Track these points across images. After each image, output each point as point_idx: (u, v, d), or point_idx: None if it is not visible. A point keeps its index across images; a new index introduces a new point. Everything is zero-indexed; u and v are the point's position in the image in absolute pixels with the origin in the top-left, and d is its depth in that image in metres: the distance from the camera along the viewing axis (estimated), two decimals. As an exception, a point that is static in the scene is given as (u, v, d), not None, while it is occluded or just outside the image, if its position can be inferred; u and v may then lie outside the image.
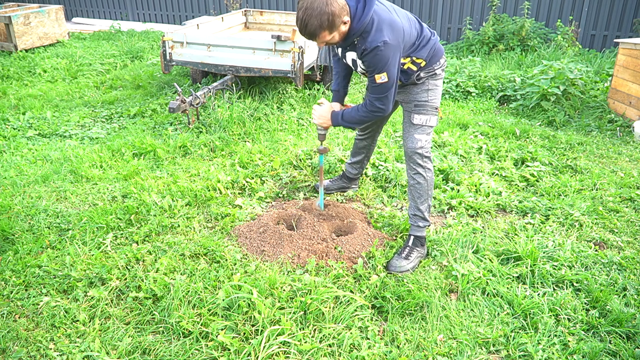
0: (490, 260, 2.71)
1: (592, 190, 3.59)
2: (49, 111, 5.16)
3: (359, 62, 2.50)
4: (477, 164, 3.93)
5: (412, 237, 2.78)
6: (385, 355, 2.10)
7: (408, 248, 2.73)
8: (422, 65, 2.59)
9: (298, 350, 2.07)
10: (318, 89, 5.57)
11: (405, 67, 2.57)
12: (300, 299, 2.31)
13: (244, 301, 2.28)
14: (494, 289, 2.48)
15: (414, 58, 2.55)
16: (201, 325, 2.20)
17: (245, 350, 2.05)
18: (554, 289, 2.51)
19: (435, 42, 2.63)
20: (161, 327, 2.23)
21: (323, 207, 3.16)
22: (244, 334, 2.16)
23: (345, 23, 2.30)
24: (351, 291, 2.45)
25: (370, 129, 3.21)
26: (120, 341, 2.14)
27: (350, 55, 2.53)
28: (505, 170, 3.80)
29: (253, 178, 3.65)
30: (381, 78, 2.38)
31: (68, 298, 2.40)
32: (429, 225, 2.83)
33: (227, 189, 3.48)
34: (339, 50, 2.63)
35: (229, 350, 2.07)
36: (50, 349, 2.10)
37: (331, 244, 2.78)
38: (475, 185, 3.54)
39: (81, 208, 3.23)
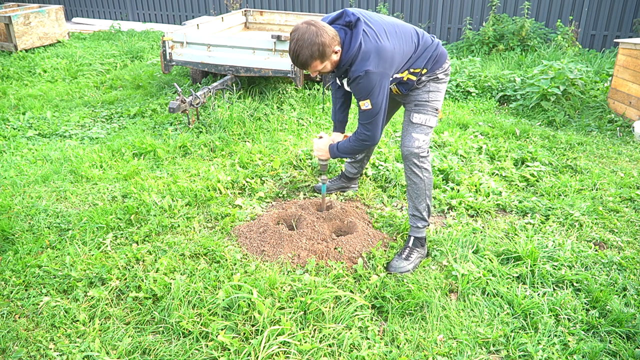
0: (490, 260, 2.71)
1: (592, 190, 3.59)
2: (49, 111, 5.16)
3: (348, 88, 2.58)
4: (477, 164, 3.93)
5: (412, 238, 2.77)
6: (385, 355, 2.10)
7: (408, 249, 2.73)
8: (423, 72, 2.63)
9: (298, 350, 2.07)
10: (318, 89, 5.57)
11: (405, 79, 2.62)
12: (300, 299, 2.31)
13: (244, 301, 2.28)
14: (494, 289, 2.48)
15: (412, 69, 2.59)
16: (201, 325, 2.20)
17: (245, 350, 2.05)
18: (554, 289, 2.51)
19: (436, 49, 2.63)
20: (161, 327, 2.23)
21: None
22: (244, 334, 2.16)
23: (336, 52, 2.38)
24: (351, 291, 2.45)
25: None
26: (120, 341, 2.14)
27: (346, 82, 2.60)
28: (505, 170, 3.80)
29: (253, 178, 3.65)
30: (365, 105, 2.45)
31: (68, 298, 2.40)
32: (428, 226, 2.83)
33: (227, 189, 3.48)
34: (336, 78, 2.69)
35: (229, 350, 2.07)
36: (50, 349, 2.10)
37: (331, 244, 2.78)
38: (475, 185, 3.54)
39: (81, 208, 3.23)
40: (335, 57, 2.39)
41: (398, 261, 2.66)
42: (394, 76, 2.55)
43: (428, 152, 2.72)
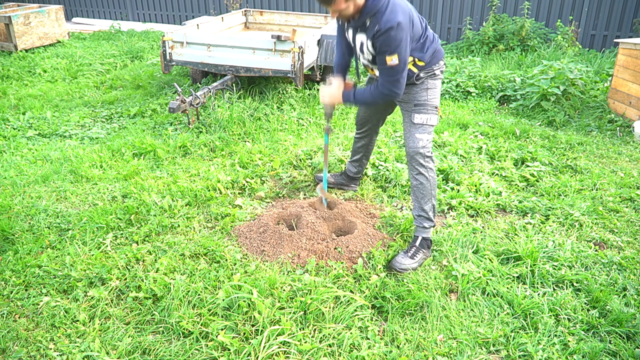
0: (490, 260, 2.71)
1: (592, 190, 3.59)
2: (49, 111, 5.16)
3: (367, 45, 2.47)
4: (477, 164, 3.93)
5: (419, 238, 2.75)
6: (385, 355, 2.10)
7: (415, 248, 2.72)
8: (422, 66, 2.60)
9: (298, 350, 2.07)
10: (318, 89, 5.56)
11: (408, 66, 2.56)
12: (300, 299, 2.31)
13: (244, 301, 2.28)
14: (494, 289, 2.48)
15: (416, 60, 2.56)
16: (201, 325, 2.20)
17: (245, 350, 2.05)
18: (554, 289, 2.51)
19: (437, 43, 2.64)
20: (161, 327, 2.23)
21: (326, 188, 3.14)
22: (244, 334, 2.16)
23: None
24: (351, 291, 2.45)
25: (367, 128, 3.20)
26: (120, 341, 2.14)
27: (360, 38, 2.50)
28: (505, 170, 3.80)
29: (253, 178, 3.65)
30: (392, 60, 2.35)
31: (68, 298, 2.40)
32: (434, 226, 2.80)
33: (227, 189, 3.48)
34: (349, 32, 2.58)
35: (229, 350, 2.07)
36: (50, 349, 2.10)
37: (331, 244, 2.78)
38: (475, 185, 3.54)
39: (81, 208, 3.23)
40: (360, 1, 2.32)
41: (403, 257, 2.65)
42: None
43: (431, 152, 2.72)
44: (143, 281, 2.47)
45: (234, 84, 5.29)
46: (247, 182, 3.57)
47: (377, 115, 3.13)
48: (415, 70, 2.59)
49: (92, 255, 2.69)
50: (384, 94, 2.52)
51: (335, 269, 2.59)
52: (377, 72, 2.64)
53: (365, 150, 3.34)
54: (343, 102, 2.73)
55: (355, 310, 2.31)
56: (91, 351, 2.07)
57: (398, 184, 3.57)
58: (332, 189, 3.51)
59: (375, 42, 2.40)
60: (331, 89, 2.74)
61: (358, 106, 2.75)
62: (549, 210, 3.27)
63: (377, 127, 3.22)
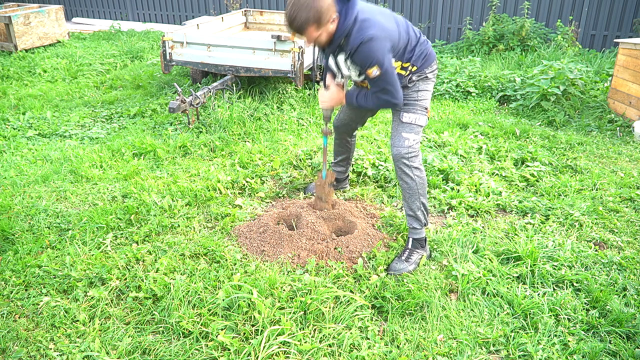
0: (490, 260, 2.71)
1: (592, 190, 3.59)
2: (49, 111, 5.16)
3: (348, 64, 2.49)
4: (477, 164, 3.93)
5: (410, 240, 2.75)
6: (385, 355, 2.10)
7: (408, 251, 2.72)
8: (413, 70, 2.60)
9: (298, 350, 2.07)
10: (318, 89, 5.56)
11: (396, 70, 2.55)
12: (300, 299, 2.31)
13: (244, 301, 2.28)
14: (494, 289, 2.48)
15: (403, 64, 2.56)
16: (201, 325, 2.20)
17: (245, 350, 2.05)
18: (554, 289, 2.51)
19: (427, 46, 2.63)
20: (161, 327, 2.23)
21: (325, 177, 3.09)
22: (244, 334, 2.16)
23: (332, 21, 2.33)
24: (351, 291, 2.45)
25: (346, 129, 3.18)
26: (120, 341, 2.14)
27: (340, 59, 2.53)
28: (505, 170, 3.80)
29: (253, 178, 3.65)
30: (373, 72, 2.36)
31: (68, 298, 2.40)
32: (425, 226, 2.77)
33: (227, 189, 3.48)
34: (330, 58, 2.62)
35: (229, 350, 2.07)
36: (50, 349, 2.10)
37: (331, 244, 2.78)
38: (475, 185, 3.54)
39: (81, 208, 3.23)
40: (332, 27, 2.34)
41: (398, 263, 2.65)
42: None
43: (418, 152, 2.67)
44: (143, 281, 2.47)
45: (234, 84, 5.29)
46: (247, 182, 3.57)
47: (357, 118, 3.12)
48: (403, 72, 2.59)
49: (92, 255, 2.69)
50: (378, 104, 2.56)
51: (335, 269, 2.59)
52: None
53: (347, 150, 3.33)
54: (346, 103, 2.73)
55: (355, 310, 2.31)
56: (91, 351, 2.07)
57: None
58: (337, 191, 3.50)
59: (353, 60, 2.41)
60: (331, 93, 2.74)
61: (358, 107, 2.74)
62: (549, 210, 3.27)
63: (356, 128, 3.21)
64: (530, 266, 2.63)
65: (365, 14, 2.35)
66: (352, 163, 3.58)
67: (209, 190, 3.40)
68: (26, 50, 7.70)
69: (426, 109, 2.69)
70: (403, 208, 2.80)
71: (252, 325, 2.20)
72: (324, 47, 2.48)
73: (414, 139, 2.64)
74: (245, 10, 7.07)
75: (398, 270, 2.62)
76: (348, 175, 3.55)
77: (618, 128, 4.82)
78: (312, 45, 2.43)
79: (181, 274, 2.53)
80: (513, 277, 2.59)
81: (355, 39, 2.32)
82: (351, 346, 2.13)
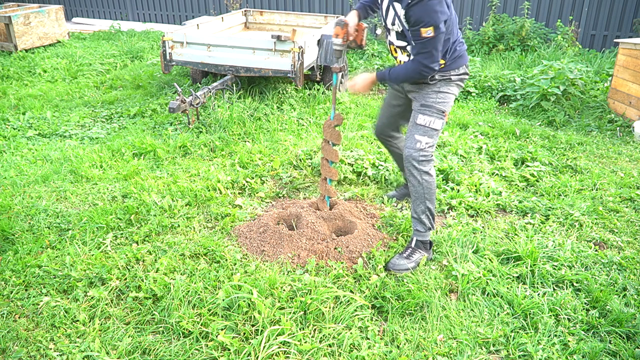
0: (490, 260, 2.71)
1: (592, 190, 3.59)
2: (49, 111, 5.16)
3: (401, 16, 2.38)
4: (477, 164, 3.93)
5: (414, 239, 2.72)
6: (385, 355, 2.10)
7: (410, 249, 2.70)
8: (441, 66, 2.51)
9: (298, 350, 2.07)
10: (318, 89, 5.57)
11: None
12: (300, 299, 2.31)
13: (244, 301, 2.28)
14: (494, 289, 2.48)
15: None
16: (201, 325, 2.20)
17: (245, 350, 2.05)
18: (554, 289, 2.51)
19: (462, 47, 2.56)
20: (161, 327, 2.23)
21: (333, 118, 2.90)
22: (244, 334, 2.16)
23: None
24: (351, 291, 2.45)
25: (386, 135, 3.03)
26: (120, 341, 2.14)
27: (393, 8, 2.41)
28: (505, 170, 3.80)
29: (253, 178, 3.65)
30: (427, 32, 2.28)
31: (68, 298, 2.40)
32: (430, 229, 2.71)
33: (227, 189, 3.48)
34: (384, 2, 2.48)
35: (229, 350, 2.07)
36: (50, 349, 2.10)
37: (331, 244, 2.78)
38: (475, 185, 3.54)
39: (81, 208, 3.23)
40: None
41: (399, 259, 2.64)
42: None
43: (431, 156, 2.57)
44: (143, 281, 2.47)
45: (234, 84, 5.29)
46: (247, 182, 3.57)
47: (393, 117, 2.95)
48: None
49: (92, 255, 2.69)
50: (419, 70, 2.42)
51: (335, 269, 2.59)
52: (399, 56, 2.58)
53: (400, 158, 3.10)
54: (378, 80, 2.61)
55: (355, 310, 2.31)
56: (91, 351, 2.07)
57: (397, 184, 3.57)
58: (401, 201, 3.40)
59: (408, 13, 2.30)
60: (361, 77, 2.65)
61: (394, 83, 2.63)
62: (549, 210, 3.27)
63: (394, 131, 3.03)
64: (530, 266, 2.63)
65: None
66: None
67: (209, 190, 3.40)
68: (26, 50, 7.70)
69: (443, 112, 2.57)
70: (410, 210, 2.74)
71: (252, 325, 2.20)
72: None
73: (427, 142, 2.55)
74: (245, 10, 7.07)
75: (397, 265, 2.61)
76: None
77: (618, 128, 4.82)
78: None
79: (181, 274, 2.53)
80: (513, 277, 2.59)
81: None
82: (351, 346, 2.13)
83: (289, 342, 2.10)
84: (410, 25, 2.35)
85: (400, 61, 2.63)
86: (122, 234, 2.92)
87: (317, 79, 5.70)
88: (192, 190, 3.38)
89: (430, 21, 2.25)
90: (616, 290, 2.50)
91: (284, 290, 2.42)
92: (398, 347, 2.15)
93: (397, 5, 2.38)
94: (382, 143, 3.10)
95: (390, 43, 2.62)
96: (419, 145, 2.55)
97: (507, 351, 2.14)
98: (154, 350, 2.11)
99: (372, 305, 2.39)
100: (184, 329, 2.18)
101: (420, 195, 2.63)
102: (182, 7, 10.74)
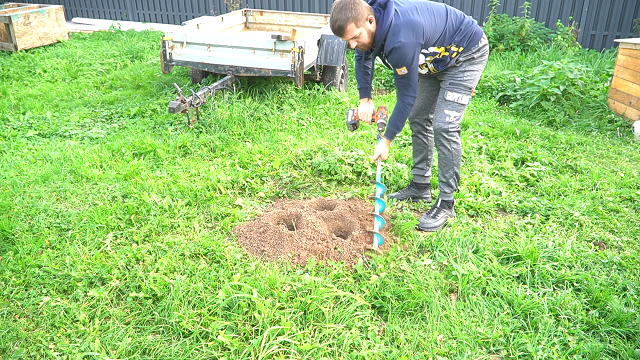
0: (490, 260, 2.71)
1: (592, 190, 3.59)
2: (49, 111, 5.16)
3: (386, 61, 2.86)
4: (477, 164, 3.93)
5: (440, 200, 3.08)
6: (385, 355, 2.10)
7: (436, 209, 3.06)
8: (460, 50, 2.84)
9: (298, 350, 2.07)
10: (318, 89, 5.57)
11: (440, 55, 2.85)
12: (300, 299, 2.31)
13: (244, 301, 2.28)
14: (494, 289, 2.48)
15: (447, 46, 2.82)
16: (201, 325, 2.20)
17: (245, 350, 2.05)
18: (554, 289, 2.51)
19: (472, 27, 2.83)
20: (161, 327, 2.23)
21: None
22: (244, 334, 2.16)
23: (370, 21, 2.67)
24: (351, 291, 2.45)
25: (417, 121, 3.25)
26: (120, 341, 2.14)
27: (380, 58, 2.91)
28: (505, 170, 3.80)
29: (253, 178, 3.65)
30: (402, 71, 2.75)
31: (68, 298, 2.40)
32: (455, 190, 3.12)
33: (227, 189, 3.48)
34: (375, 57, 2.91)
35: (229, 350, 2.07)
36: (50, 349, 2.10)
37: (331, 244, 2.78)
38: (475, 185, 3.54)
39: (81, 208, 3.23)
40: (370, 27, 2.68)
41: (426, 218, 3.00)
42: (430, 50, 2.81)
43: (458, 127, 2.95)
44: (143, 281, 2.47)
45: (234, 84, 5.29)
46: (247, 182, 3.57)
47: (430, 99, 3.17)
48: (447, 54, 2.84)
49: (92, 255, 2.69)
50: (404, 103, 2.84)
51: (335, 269, 2.59)
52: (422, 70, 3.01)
53: (424, 147, 3.31)
54: (390, 140, 3.00)
55: (355, 310, 2.31)
56: (91, 351, 2.07)
57: (398, 184, 3.57)
58: (402, 200, 3.40)
59: (386, 61, 2.83)
60: (379, 147, 3.01)
61: (400, 129, 2.98)
62: (549, 210, 3.27)
63: (429, 117, 3.23)
64: (530, 266, 2.63)
65: (398, 18, 2.65)
66: (428, 170, 3.37)
67: (209, 190, 3.40)
68: (26, 50, 7.70)
69: (470, 88, 2.92)
70: (438, 175, 3.11)
71: (252, 325, 2.20)
72: (370, 49, 2.81)
73: (455, 116, 2.92)
74: (245, 10, 7.07)
75: (425, 224, 2.98)
76: (429, 184, 3.40)
77: (618, 128, 4.82)
78: (355, 44, 2.75)
79: (181, 274, 2.53)
80: (513, 277, 2.59)
81: (389, 45, 2.68)
82: (351, 346, 2.13)
83: (289, 342, 2.10)
84: (392, 66, 2.83)
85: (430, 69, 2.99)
86: (122, 234, 2.92)
87: (317, 79, 5.70)
88: (192, 190, 3.38)
89: (402, 63, 2.71)
90: (616, 290, 2.50)
91: (284, 290, 2.42)
92: (398, 347, 2.15)
93: (379, 58, 2.93)
94: (413, 129, 3.32)
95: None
96: (448, 119, 2.91)
97: (507, 351, 2.14)
98: (154, 350, 2.11)
99: (372, 305, 2.39)
100: (184, 329, 2.18)
101: (449, 162, 3.01)
102: (182, 7, 10.74)
